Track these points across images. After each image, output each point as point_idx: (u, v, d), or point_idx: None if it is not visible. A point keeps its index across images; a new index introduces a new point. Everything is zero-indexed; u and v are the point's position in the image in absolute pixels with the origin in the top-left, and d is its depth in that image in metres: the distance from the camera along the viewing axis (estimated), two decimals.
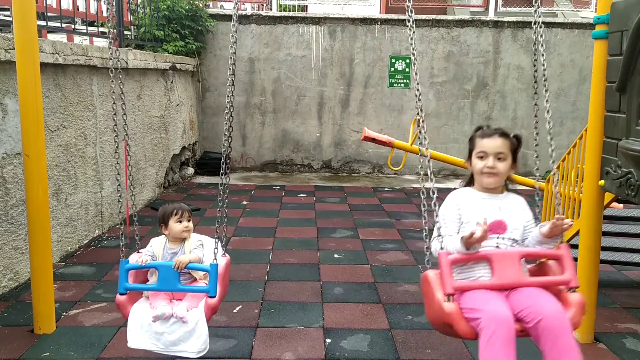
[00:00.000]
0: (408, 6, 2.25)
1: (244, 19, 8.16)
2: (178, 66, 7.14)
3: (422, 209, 2.27)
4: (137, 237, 2.61)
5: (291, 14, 8.55)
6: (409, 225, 5.52)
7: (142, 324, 2.34)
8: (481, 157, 2.27)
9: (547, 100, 2.31)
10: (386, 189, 7.50)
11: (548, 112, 2.29)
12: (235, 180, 7.64)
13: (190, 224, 2.55)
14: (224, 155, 2.40)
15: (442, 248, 2.16)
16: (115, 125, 2.49)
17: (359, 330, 3.17)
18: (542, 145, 2.36)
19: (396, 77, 8.36)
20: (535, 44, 2.40)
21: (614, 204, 3.81)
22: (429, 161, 2.22)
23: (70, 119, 4.40)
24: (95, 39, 5.81)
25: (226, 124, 2.40)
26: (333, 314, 3.38)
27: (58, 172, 4.20)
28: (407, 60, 8.32)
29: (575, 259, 2.64)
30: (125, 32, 6.62)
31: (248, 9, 9.88)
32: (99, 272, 4.01)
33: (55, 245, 4.10)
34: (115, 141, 2.50)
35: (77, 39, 5.63)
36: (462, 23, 8.29)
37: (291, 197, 6.80)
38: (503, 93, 8.44)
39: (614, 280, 4.08)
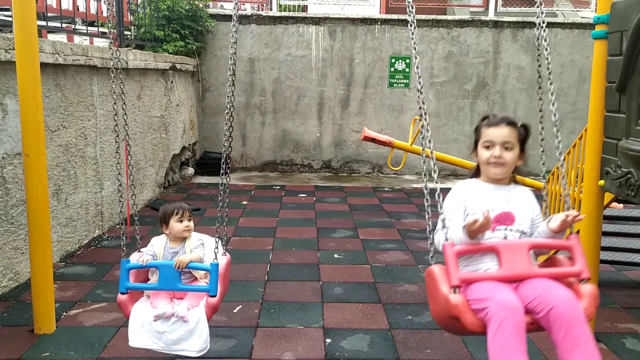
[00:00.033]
0: (409, 2, 2.20)
1: (244, 19, 8.16)
2: (178, 66, 7.14)
3: (426, 204, 2.14)
4: (138, 237, 2.62)
5: (291, 14, 8.56)
6: (409, 225, 5.52)
7: (144, 323, 2.35)
8: (487, 147, 2.20)
9: (553, 103, 2.25)
10: (386, 189, 7.50)
11: (555, 115, 2.23)
12: (235, 180, 7.64)
13: (191, 224, 2.56)
14: (225, 155, 2.40)
15: (446, 239, 2.07)
16: (117, 125, 2.49)
17: (359, 330, 3.17)
18: (546, 142, 2.31)
19: (396, 77, 8.36)
20: (538, 46, 2.33)
21: (614, 204, 3.81)
22: (434, 164, 2.11)
23: (70, 119, 4.40)
24: (95, 39, 5.82)
25: (226, 124, 2.40)
26: (333, 314, 3.38)
27: (58, 172, 4.21)
28: (407, 60, 8.32)
29: None
30: (125, 32, 6.62)
31: (248, 9, 9.89)
32: (99, 272, 4.01)
33: (55, 245, 4.10)
34: (116, 141, 2.50)
35: (77, 39, 5.63)
36: (462, 23, 8.29)
37: (291, 197, 6.80)
38: (503, 93, 8.44)
39: (614, 280, 4.08)
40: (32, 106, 2.88)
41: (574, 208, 2.10)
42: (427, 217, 2.13)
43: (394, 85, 8.38)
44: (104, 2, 5.96)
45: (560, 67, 8.20)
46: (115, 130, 2.49)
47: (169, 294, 2.46)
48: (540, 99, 2.36)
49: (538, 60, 2.32)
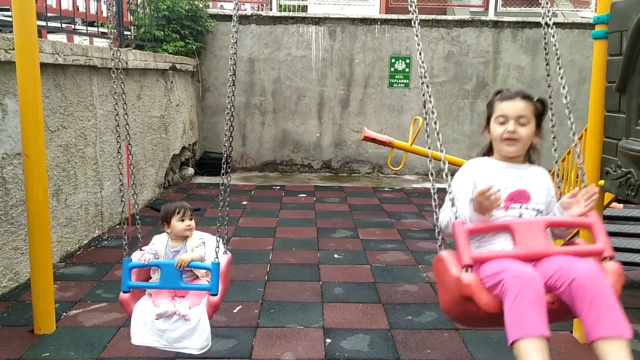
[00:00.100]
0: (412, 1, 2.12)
1: (244, 19, 8.16)
2: (178, 66, 7.14)
3: (433, 204, 2.05)
4: (139, 236, 2.63)
5: (291, 14, 8.56)
6: (409, 225, 5.52)
7: (146, 321, 2.38)
8: (501, 122, 2.05)
9: (563, 87, 2.14)
10: (386, 189, 7.50)
11: (566, 97, 2.11)
12: (235, 181, 7.64)
13: (192, 223, 2.58)
14: (225, 154, 2.41)
15: (456, 217, 1.91)
16: (117, 125, 2.50)
17: (359, 330, 3.17)
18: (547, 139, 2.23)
19: (396, 77, 8.36)
20: (546, 44, 2.30)
21: (614, 204, 3.81)
22: (444, 164, 1.97)
23: (70, 119, 4.40)
24: (94, 39, 5.82)
25: (227, 124, 2.40)
26: (333, 314, 3.38)
27: (58, 172, 4.21)
28: (407, 60, 8.32)
29: None
30: (125, 33, 6.62)
31: (248, 9, 9.89)
32: (99, 273, 4.01)
33: (55, 245, 4.10)
34: (118, 141, 2.50)
35: (77, 39, 5.63)
36: (462, 23, 8.29)
37: (291, 197, 6.80)
38: None
39: None
40: (32, 106, 2.88)
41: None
42: (435, 217, 2.06)
43: (394, 85, 8.38)
44: (104, 2, 5.96)
45: (560, 68, 8.18)
46: (117, 130, 2.50)
47: (171, 292, 2.49)
48: (549, 86, 2.28)
49: (547, 66, 2.25)
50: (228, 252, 2.58)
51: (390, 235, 5.16)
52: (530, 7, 9.66)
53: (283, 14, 8.43)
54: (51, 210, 3.98)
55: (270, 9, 9.11)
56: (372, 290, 3.79)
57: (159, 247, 2.57)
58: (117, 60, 2.53)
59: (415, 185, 7.77)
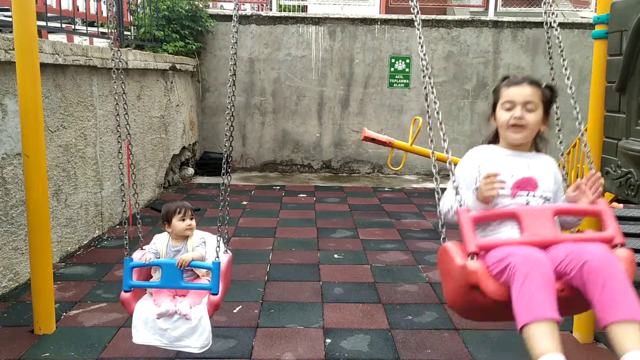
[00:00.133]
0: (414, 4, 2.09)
1: (244, 19, 8.17)
2: (178, 66, 7.14)
3: (438, 203, 1.98)
4: (140, 235, 2.65)
5: (291, 14, 8.56)
6: (409, 225, 5.52)
7: (147, 321, 2.40)
8: (507, 108, 1.98)
9: (568, 77, 2.09)
10: (386, 189, 7.50)
11: (571, 88, 2.07)
12: (235, 181, 7.63)
13: (193, 222, 2.59)
14: (226, 154, 2.42)
15: (460, 205, 1.85)
16: (118, 125, 2.51)
17: (359, 330, 3.17)
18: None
19: (396, 77, 8.36)
20: (549, 41, 2.28)
21: (614, 204, 3.81)
22: (450, 164, 1.92)
23: (70, 119, 4.40)
24: (94, 39, 5.82)
25: (227, 124, 2.41)
26: (333, 314, 3.38)
27: (58, 172, 4.21)
28: (407, 60, 8.32)
29: None
30: (125, 33, 6.62)
31: (248, 9, 9.88)
32: (99, 273, 4.01)
33: (55, 245, 4.10)
34: (118, 141, 2.51)
35: (77, 39, 5.63)
36: (461, 23, 8.29)
37: (291, 197, 6.80)
38: None
39: None
40: (32, 106, 2.88)
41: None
42: (440, 217, 1.99)
43: (394, 85, 8.38)
44: (104, 2, 5.96)
45: (560, 66, 8.18)
46: (117, 131, 2.52)
47: (172, 291, 2.51)
48: (552, 79, 2.26)
49: (552, 68, 2.19)
50: (229, 251, 2.60)
51: (390, 235, 5.16)
52: (530, 7, 9.66)
53: (283, 14, 8.43)
54: (51, 210, 3.98)
55: (270, 9, 9.11)
56: (372, 290, 3.79)
57: (159, 246, 2.58)
58: (118, 60, 2.54)
59: (415, 185, 7.77)
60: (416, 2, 2.07)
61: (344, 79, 8.39)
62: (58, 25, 4.94)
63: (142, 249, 2.62)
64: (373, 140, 6.03)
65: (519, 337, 1.60)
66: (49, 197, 3.24)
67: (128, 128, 2.59)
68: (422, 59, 2.01)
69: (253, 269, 4.15)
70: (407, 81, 8.36)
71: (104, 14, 6.01)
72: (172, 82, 7.04)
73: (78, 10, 5.46)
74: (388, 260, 4.43)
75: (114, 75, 2.55)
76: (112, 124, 5.11)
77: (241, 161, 8.56)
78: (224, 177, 2.46)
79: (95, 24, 6.07)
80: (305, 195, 6.90)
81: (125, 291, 2.41)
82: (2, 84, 3.51)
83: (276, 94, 8.42)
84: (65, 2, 5.28)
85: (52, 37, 4.94)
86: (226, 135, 2.41)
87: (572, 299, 1.69)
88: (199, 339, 2.37)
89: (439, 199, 1.97)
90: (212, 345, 2.52)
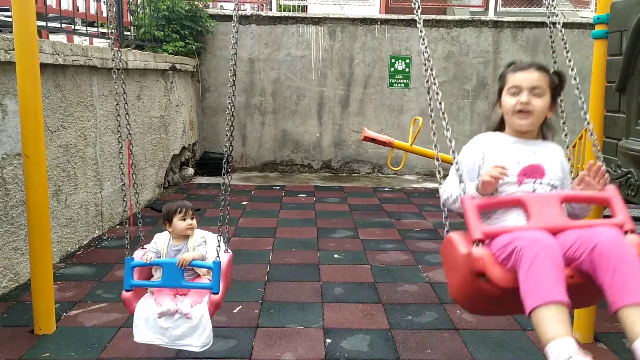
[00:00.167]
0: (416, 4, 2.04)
1: (244, 19, 8.17)
2: (178, 66, 7.14)
3: (443, 209, 1.95)
4: (141, 234, 2.67)
5: (291, 14, 8.56)
6: (409, 225, 5.52)
7: (148, 320, 2.41)
8: (513, 93, 1.93)
9: (572, 69, 2.02)
10: (386, 189, 7.50)
11: (575, 78, 2.01)
12: (235, 181, 7.63)
13: (194, 222, 2.61)
14: (226, 154, 2.43)
15: (464, 192, 1.80)
16: (119, 125, 2.52)
17: (359, 330, 3.17)
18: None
19: (396, 77, 8.36)
20: (553, 47, 2.26)
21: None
22: (457, 162, 1.89)
23: (70, 119, 4.40)
24: (94, 39, 5.82)
25: (227, 124, 2.41)
26: (333, 314, 3.38)
27: (58, 172, 4.21)
28: (407, 60, 8.33)
29: None
30: (125, 33, 6.62)
31: (248, 9, 9.88)
32: (99, 273, 4.01)
33: (55, 245, 4.10)
34: (119, 141, 2.52)
35: (76, 39, 5.63)
36: (461, 23, 8.30)
37: (291, 197, 6.80)
38: None
39: None
40: (32, 107, 2.88)
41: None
42: (444, 215, 1.94)
43: (394, 85, 8.38)
44: (104, 2, 5.96)
45: (559, 66, 8.19)
46: (118, 131, 2.53)
47: (173, 290, 2.52)
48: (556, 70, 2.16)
49: (554, 65, 2.12)
50: (229, 250, 2.62)
51: (390, 235, 5.16)
52: (530, 7, 9.66)
53: (283, 14, 8.43)
54: (51, 210, 3.98)
55: (270, 9, 9.11)
56: (372, 290, 3.79)
57: (160, 245, 2.60)
58: (118, 60, 2.55)
59: (415, 185, 7.77)
60: (419, 5, 2.03)
61: (344, 79, 8.40)
62: (58, 25, 4.94)
63: (143, 248, 2.64)
64: (373, 140, 6.03)
65: (528, 319, 1.55)
66: (49, 197, 3.24)
67: (129, 128, 2.60)
68: (425, 60, 1.95)
69: (253, 269, 4.15)
70: (407, 81, 8.37)
71: (104, 14, 6.01)
72: (172, 82, 7.04)
73: (78, 10, 5.47)
74: (388, 260, 4.43)
75: (114, 76, 2.56)
76: (112, 124, 5.11)
77: (241, 161, 8.56)
78: (224, 177, 2.47)
79: (95, 24, 6.07)
80: (305, 195, 6.90)
81: (127, 290, 2.43)
82: (2, 84, 3.51)
83: (276, 94, 8.42)
84: (65, 2, 5.28)
85: (52, 37, 4.95)
86: (226, 135, 2.42)
87: (582, 287, 1.63)
88: (200, 338, 2.39)
89: (441, 186, 1.94)
90: (212, 345, 2.52)
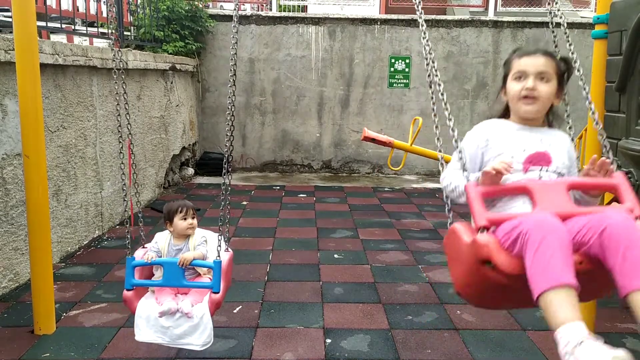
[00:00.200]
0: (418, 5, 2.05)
1: (244, 20, 8.17)
2: (178, 67, 7.14)
3: (447, 206, 1.89)
4: (142, 233, 2.68)
5: (291, 14, 8.56)
6: (409, 225, 5.52)
7: (149, 319, 2.43)
8: (519, 79, 1.88)
9: (575, 61, 1.98)
10: (386, 189, 7.50)
11: (579, 70, 1.97)
12: (235, 181, 7.63)
13: (195, 221, 2.62)
14: (227, 153, 2.44)
15: (467, 180, 1.76)
16: (119, 125, 2.54)
17: (359, 330, 3.17)
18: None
19: (396, 77, 8.36)
20: (555, 41, 2.24)
21: (614, 204, 3.81)
22: (460, 151, 1.86)
23: (70, 119, 4.40)
24: (94, 39, 5.82)
25: (228, 124, 2.42)
26: (333, 314, 3.38)
27: (58, 172, 4.21)
28: (407, 60, 8.33)
29: None
30: (125, 33, 6.62)
31: (248, 9, 9.89)
32: (99, 273, 4.01)
33: (55, 245, 4.10)
34: (120, 141, 2.54)
35: (76, 39, 5.63)
36: (461, 23, 8.30)
37: (291, 197, 6.80)
38: None
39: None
40: (32, 107, 2.88)
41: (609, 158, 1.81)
42: (449, 214, 1.89)
43: (394, 85, 8.38)
44: (104, 2, 5.96)
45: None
46: (119, 131, 2.55)
47: (173, 289, 2.54)
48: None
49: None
50: (230, 249, 2.64)
51: (390, 235, 5.16)
52: (530, 7, 9.66)
53: (283, 14, 8.43)
54: (51, 210, 3.98)
55: (270, 9, 9.11)
56: (372, 290, 3.79)
57: (161, 244, 2.62)
58: (119, 60, 2.56)
59: (415, 185, 7.77)
60: (421, 4, 2.04)
61: (344, 79, 8.40)
62: (58, 25, 4.94)
63: (144, 247, 2.66)
64: (373, 140, 6.03)
65: (537, 305, 1.50)
66: (49, 198, 3.24)
67: (129, 128, 2.62)
68: (428, 60, 1.96)
69: (253, 269, 4.15)
70: (407, 81, 8.37)
71: (104, 15, 6.01)
72: (172, 83, 7.04)
73: (78, 10, 5.47)
74: (388, 260, 4.43)
75: (114, 76, 2.57)
76: (112, 124, 5.11)
77: (241, 161, 8.56)
78: (225, 176, 2.48)
79: (95, 24, 6.07)
80: (305, 195, 6.90)
81: (128, 290, 2.45)
82: (2, 84, 3.51)
83: (276, 94, 8.42)
84: (65, 2, 5.28)
85: (52, 38, 4.94)
86: (227, 135, 2.42)
87: (592, 274, 1.57)
88: (201, 337, 2.41)
89: (442, 174, 1.91)
90: (212, 345, 2.53)
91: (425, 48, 1.93)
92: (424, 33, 1.94)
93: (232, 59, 2.39)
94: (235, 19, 2.41)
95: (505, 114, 2.00)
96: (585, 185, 1.80)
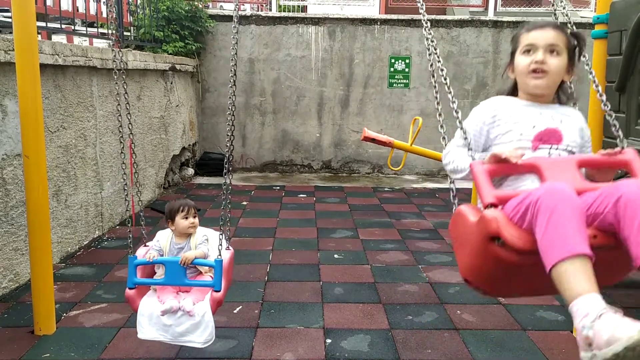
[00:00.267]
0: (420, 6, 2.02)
1: (244, 20, 8.17)
2: (178, 67, 7.14)
3: (453, 202, 1.82)
4: (144, 232, 2.70)
5: (291, 14, 8.56)
6: (409, 225, 5.52)
7: (151, 317, 2.46)
8: (528, 52, 1.78)
9: (587, 65, 1.89)
10: (386, 189, 7.50)
11: (591, 73, 1.90)
12: (235, 181, 7.63)
13: (196, 220, 2.65)
14: (228, 153, 2.46)
15: (472, 157, 1.70)
16: (120, 126, 2.56)
17: (359, 330, 3.17)
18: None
19: (396, 77, 8.37)
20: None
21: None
22: (465, 132, 1.82)
23: (70, 120, 4.40)
24: (94, 39, 5.82)
25: (228, 124, 2.43)
26: (333, 314, 3.38)
27: (58, 173, 4.21)
28: (407, 60, 8.33)
29: None
30: (125, 33, 6.62)
31: (247, 9, 9.89)
32: (99, 273, 4.01)
33: (55, 246, 4.10)
34: (121, 141, 2.55)
35: (76, 40, 5.63)
36: (461, 23, 8.30)
37: (291, 197, 6.80)
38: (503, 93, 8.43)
39: None
40: (32, 107, 2.88)
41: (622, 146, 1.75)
42: (454, 200, 1.83)
43: (394, 85, 8.39)
44: (103, 3, 5.96)
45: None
46: (120, 131, 2.56)
47: (175, 287, 2.56)
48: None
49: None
50: (230, 247, 2.66)
51: (390, 235, 5.16)
52: (530, 7, 9.67)
53: (283, 14, 8.43)
54: (51, 211, 3.98)
55: (270, 10, 9.12)
56: (372, 290, 3.79)
57: (163, 243, 2.65)
58: (119, 61, 2.57)
59: (415, 185, 7.77)
60: (424, 6, 2.00)
61: (344, 79, 8.40)
62: (58, 25, 4.94)
63: (145, 245, 2.68)
64: (373, 140, 6.02)
65: (551, 277, 1.40)
66: (49, 198, 3.24)
67: (130, 127, 2.64)
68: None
69: (253, 269, 4.15)
70: (407, 81, 8.37)
71: (104, 15, 6.01)
72: (172, 83, 7.04)
73: (78, 10, 5.47)
74: (388, 260, 4.43)
75: (115, 76, 2.59)
76: (112, 124, 5.11)
77: (241, 161, 8.56)
78: (225, 176, 2.50)
79: (95, 24, 6.07)
80: (305, 196, 6.90)
81: (130, 288, 2.48)
82: (2, 85, 3.51)
83: (276, 94, 8.42)
84: (65, 3, 5.28)
85: (53, 38, 4.94)
86: (227, 135, 2.43)
87: (606, 251, 1.47)
88: (203, 335, 2.44)
89: (444, 151, 1.86)
90: (213, 345, 2.54)
91: (428, 38, 1.89)
92: (428, 30, 1.90)
93: (232, 59, 2.40)
94: (235, 19, 2.41)
95: (513, 92, 1.92)
96: (596, 161, 1.71)
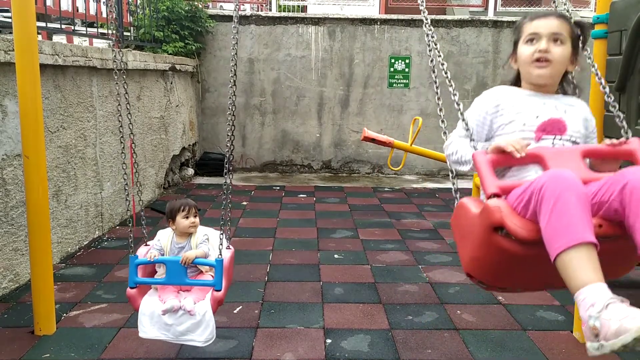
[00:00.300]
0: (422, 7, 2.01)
1: (244, 20, 8.17)
2: (178, 67, 7.14)
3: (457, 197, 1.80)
4: (144, 231, 2.71)
5: (290, 14, 8.56)
6: (409, 225, 5.52)
7: (152, 316, 2.47)
8: (531, 41, 1.76)
9: (590, 58, 1.88)
10: (386, 189, 7.50)
11: (594, 66, 1.90)
12: (235, 181, 7.63)
13: (197, 220, 2.66)
14: (228, 153, 2.46)
15: (474, 148, 1.68)
16: (121, 126, 2.56)
17: (359, 330, 3.17)
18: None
19: (396, 77, 8.37)
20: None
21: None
22: (466, 123, 1.82)
23: (70, 120, 4.40)
24: (94, 40, 5.82)
25: (228, 124, 2.43)
26: (333, 314, 3.38)
27: (58, 173, 4.21)
28: (407, 60, 8.33)
29: None
30: (125, 33, 6.62)
31: (247, 9, 9.89)
32: (100, 273, 4.01)
33: (55, 246, 4.10)
34: (121, 141, 2.56)
35: (76, 40, 5.63)
36: (461, 23, 8.30)
37: (291, 197, 6.80)
38: None
39: (614, 280, 4.07)
40: (32, 107, 2.88)
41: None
42: (455, 194, 1.82)
43: (394, 85, 8.39)
44: (103, 3, 5.97)
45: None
46: (120, 131, 2.57)
47: (176, 287, 2.57)
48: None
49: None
50: (231, 246, 2.68)
51: (390, 235, 5.16)
52: (530, 7, 9.67)
53: (282, 14, 8.43)
54: (51, 211, 3.98)
55: (270, 10, 9.12)
56: (372, 290, 3.79)
57: (164, 242, 2.67)
58: (120, 61, 2.58)
59: (415, 185, 7.77)
60: (424, 5, 1.99)
61: (344, 79, 8.40)
62: (57, 26, 4.94)
63: (146, 245, 2.69)
64: (373, 140, 6.03)
65: (557, 265, 1.36)
66: (49, 198, 3.24)
67: (130, 128, 2.65)
68: (434, 54, 1.88)
69: (253, 269, 4.15)
70: (407, 81, 8.37)
71: (104, 15, 6.02)
72: (171, 83, 7.04)
73: (77, 11, 5.47)
74: (388, 260, 4.43)
75: (115, 77, 2.59)
76: (112, 124, 5.11)
77: (241, 161, 8.56)
78: (226, 176, 2.50)
79: (95, 24, 6.07)
80: (305, 196, 6.90)
81: (131, 287, 2.50)
82: (2, 85, 3.51)
83: (276, 94, 8.42)
84: (65, 3, 5.28)
85: (53, 39, 4.94)
86: (228, 135, 2.44)
87: (612, 241, 1.45)
88: (203, 333, 2.45)
89: (446, 142, 1.85)
90: (213, 345, 2.55)
91: (428, 34, 1.88)
92: (429, 26, 1.88)
93: (232, 60, 2.40)
94: (235, 19, 2.41)
95: (516, 83, 1.90)
96: (601, 151, 1.69)
